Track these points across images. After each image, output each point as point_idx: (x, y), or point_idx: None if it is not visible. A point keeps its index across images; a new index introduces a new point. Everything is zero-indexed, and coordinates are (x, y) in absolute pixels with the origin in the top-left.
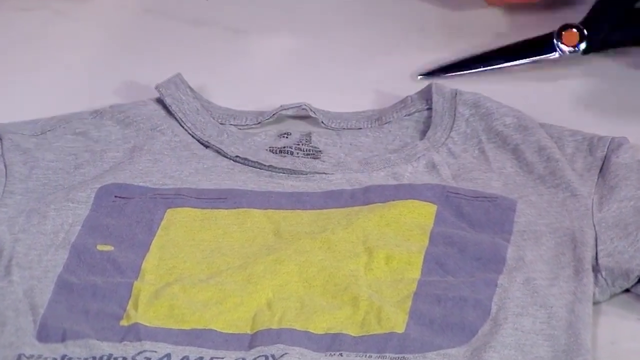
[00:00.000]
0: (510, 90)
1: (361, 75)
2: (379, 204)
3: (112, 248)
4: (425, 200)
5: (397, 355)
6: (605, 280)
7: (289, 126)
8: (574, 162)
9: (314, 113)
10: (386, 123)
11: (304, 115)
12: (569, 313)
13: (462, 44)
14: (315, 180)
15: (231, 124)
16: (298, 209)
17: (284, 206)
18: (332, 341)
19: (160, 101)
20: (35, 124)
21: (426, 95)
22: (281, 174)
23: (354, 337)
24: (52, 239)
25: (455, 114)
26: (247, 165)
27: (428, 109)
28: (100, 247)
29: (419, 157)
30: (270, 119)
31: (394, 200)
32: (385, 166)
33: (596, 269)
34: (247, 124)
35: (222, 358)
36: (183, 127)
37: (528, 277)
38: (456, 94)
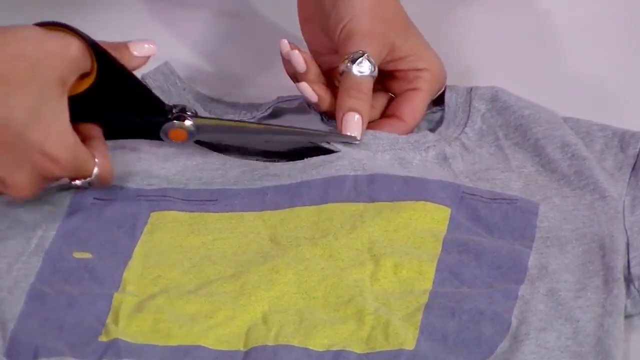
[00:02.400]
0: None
1: None
2: (387, 203)
3: (90, 255)
4: (438, 203)
5: None
6: (638, 291)
7: (290, 123)
8: (604, 160)
9: (312, 108)
10: None
11: (303, 108)
12: (598, 328)
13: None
14: (314, 164)
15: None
16: (296, 205)
17: (280, 205)
18: (335, 359)
19: None
20: None
21: (439, 97)
22: (276, 162)
23: (359, 354)
24: (23, 245)
25: (470, 109)
26: (241, 157)
27: (442, 110)
28: (77, 255)
29: (428, 147)
30: (266, 113)
31: (403, 199)
32: (392, 148)
33: (628, 278)
34: (242, 119)
35: None
36: None
37: (552, 288)
38: (471, 89)
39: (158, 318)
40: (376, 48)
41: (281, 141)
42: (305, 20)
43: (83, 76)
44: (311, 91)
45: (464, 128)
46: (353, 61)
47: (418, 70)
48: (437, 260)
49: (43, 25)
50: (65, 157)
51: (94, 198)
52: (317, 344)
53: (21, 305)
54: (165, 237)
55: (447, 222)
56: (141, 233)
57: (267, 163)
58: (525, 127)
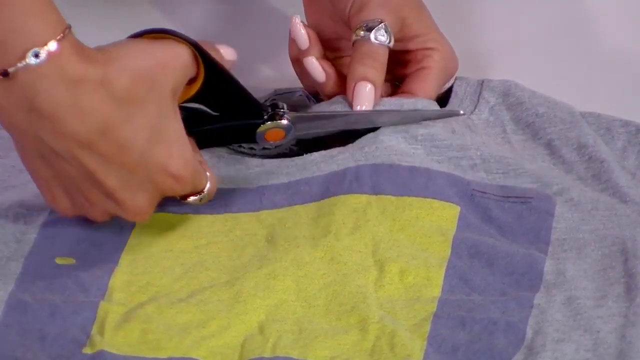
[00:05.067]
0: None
1: None
2: (392, 197)
3: (74, 261)
4: (447, 201)
5: None
6: None
7: None
8: (625, 159)
9: (312, 101)
10: None
11: (302, 101)
12: (620, 339)
13: None
14: (314, 161)
15: None
16: (296, 204)
17: (278, 204)
18: None
19: None
20: None
21: (446, 92)
22: (274, 159)
23: None
24: (1, 250)
25: (478, 100)
26: (236, 154)
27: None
28: (59, 260)
29: (435, 122)
30: None
31: (409, 194)
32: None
33: None
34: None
35: None
36: None
37: (570, 295)
38: (483, 81)
39: (147, 328)
40: (391, 18)
41: (377, 126)
42: (310, 1)
43: (189, 82)
44: (319, 67)
45: (469, 115)
46: (369, 29)
47: (427, 49)
48: (446, 265)
49: (141, 35)
50: (187, 174)
51: None
52: (318, 355)
53: (0, 314)
54: (155, 241)
55: (457, 221)
56: (129, 237)
57: (264, 160)
58: (538, 126)
